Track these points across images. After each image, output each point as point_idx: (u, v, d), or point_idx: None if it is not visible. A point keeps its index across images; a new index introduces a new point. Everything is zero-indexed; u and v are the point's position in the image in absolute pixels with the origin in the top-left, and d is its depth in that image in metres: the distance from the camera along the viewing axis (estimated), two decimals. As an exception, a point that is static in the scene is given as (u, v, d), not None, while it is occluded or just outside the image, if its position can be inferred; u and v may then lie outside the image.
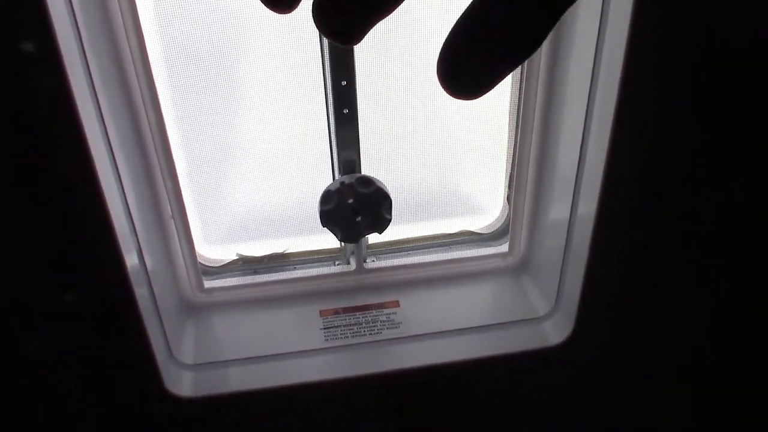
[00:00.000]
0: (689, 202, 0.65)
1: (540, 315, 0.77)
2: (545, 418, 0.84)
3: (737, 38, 0.55)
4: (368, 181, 0.70)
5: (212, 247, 0.78)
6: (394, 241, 0.81)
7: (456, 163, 0.77)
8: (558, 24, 0.68)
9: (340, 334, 0.74)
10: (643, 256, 0.68)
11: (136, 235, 0.61)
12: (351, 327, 0.75)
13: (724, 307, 0.74)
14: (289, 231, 0.78)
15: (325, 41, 0.64)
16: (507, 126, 0.74)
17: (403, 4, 0.19)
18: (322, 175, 0.74)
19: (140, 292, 0.60)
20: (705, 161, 0.62)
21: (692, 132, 0.60)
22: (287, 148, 0.72)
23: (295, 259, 0.81)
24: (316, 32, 0.64)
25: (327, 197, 0.70)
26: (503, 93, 0.72)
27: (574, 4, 0.19)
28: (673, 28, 0.53)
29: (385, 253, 0.82)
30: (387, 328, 0.75)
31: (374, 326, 0.75)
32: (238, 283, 0.78)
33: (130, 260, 0.58)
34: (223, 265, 0.79)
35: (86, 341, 0.63)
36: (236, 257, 0.79)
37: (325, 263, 0.81)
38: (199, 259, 0.75)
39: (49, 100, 0.48)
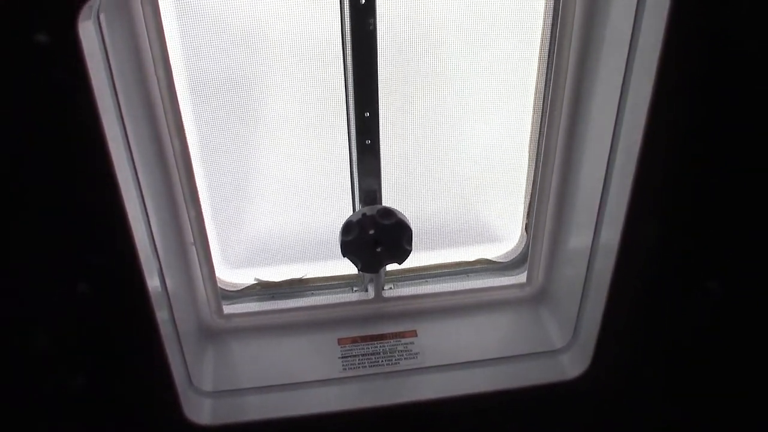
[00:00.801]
0: (718, 232, 0.64)
1: (557, 347, 0.76)
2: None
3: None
4: (389, 213, 0.70)
5: (231, 271, 0.78)
6: (412, 268, 0.81)
7: (475, 191, 0.77)
8: (583, 48, 0.67)
9: (359, 364, 0.74)
10: (666, 288, 0.67)
11: (159, 259, 0.61)
12: (369, 357, 0.75)
13: (753, 342, 0.73)
14: (307, 257, 0.78)
15: (350, 72, 0.65)
16: (527, 155, 0.75)
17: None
18: (343, 204, 0.74)
19: (161, 315, 0.60)
20: (736, 191, 0.61)
21: (723, 160, 0.59)
22: (309, 177, 0.72)
23: (313, 284, 0.81)
24: (341, 63, 0.65)
25: (348, 228, 0.70)
26: (524, 120, 0.73)
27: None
28: (704, 53, 0.53)
29: (403, 281, 0.82)
30: (405, 359, 0.75)
31: (392, 356, 0.75)
32: (256, 309, 0.78)
33: (152, 283, 0.59)
34: (241, 289, 0.79)
35: (107, 365, 0.63)
36: (254, 282, 0.79)
37: (343, 290, 0.81)
38: (218, 284, 0.75)
39: (79, 128, 0.49)
